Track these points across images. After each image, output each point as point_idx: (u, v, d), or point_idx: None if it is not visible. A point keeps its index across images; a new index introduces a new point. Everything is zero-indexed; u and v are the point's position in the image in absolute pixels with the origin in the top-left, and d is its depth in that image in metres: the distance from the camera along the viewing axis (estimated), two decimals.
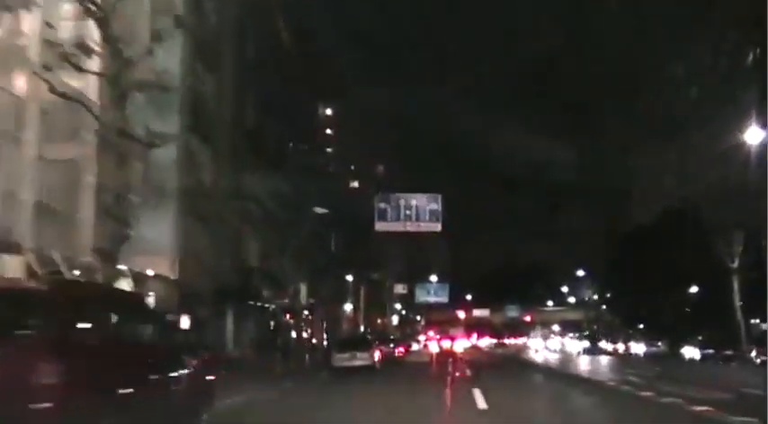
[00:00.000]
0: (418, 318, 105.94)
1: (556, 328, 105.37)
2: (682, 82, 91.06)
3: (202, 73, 29.24)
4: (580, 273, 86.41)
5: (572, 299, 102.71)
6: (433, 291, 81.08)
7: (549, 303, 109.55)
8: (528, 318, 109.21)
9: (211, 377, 9.63)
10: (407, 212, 32.54)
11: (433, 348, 52.60)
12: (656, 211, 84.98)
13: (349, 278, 55.09)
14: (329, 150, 55.64)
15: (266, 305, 35.11)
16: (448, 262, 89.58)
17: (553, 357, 49.77)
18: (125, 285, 22.56)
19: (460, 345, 52.25)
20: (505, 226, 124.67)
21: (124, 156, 11.92)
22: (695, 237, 55.81)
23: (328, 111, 56.09)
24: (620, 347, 59.97)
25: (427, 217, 33.06)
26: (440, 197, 33.55)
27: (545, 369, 33.33)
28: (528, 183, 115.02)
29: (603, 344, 52.53)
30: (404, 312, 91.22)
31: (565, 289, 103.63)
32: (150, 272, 24.94)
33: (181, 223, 26.22)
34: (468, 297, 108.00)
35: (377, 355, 29.05)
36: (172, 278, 25.17)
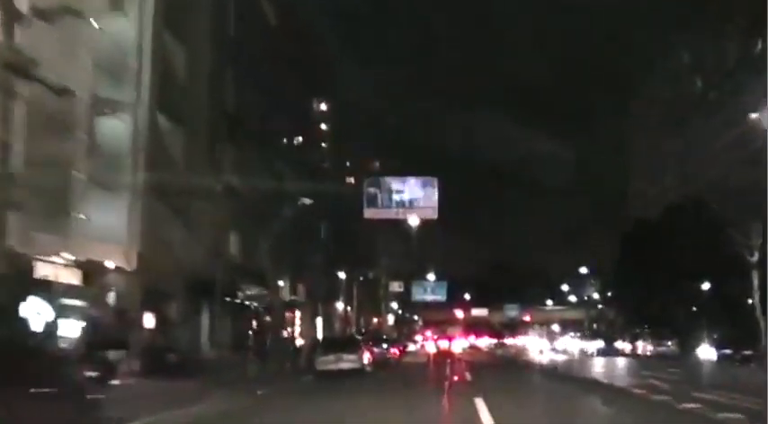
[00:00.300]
0: (416, 318, 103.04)
1: (556, 327, 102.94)
2: (682, 76, 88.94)
3: (172, 43, 26.18)
4: (583, 270, 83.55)
5: (573, 298, 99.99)
6: (430, 289, 77.92)
7: (549, 302, 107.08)
8: (527, 317, 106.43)
9: (97, 396, 6.61)
10: (400, 197, 28.85)
11: (430, 348, 49.55)
12: (659, 206, 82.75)
13: (343, 276, 52.29)
14: (324, 145, 52.95)
15: (247, 303, 32.10)
16: (445, 261, 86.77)
17: (561, 359, 46.32)
18: (71, 276, 19.59)
19: (459, 345, 49.26)
20: (504, 225, 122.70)
21: (10, 92, 8.97)
22: (705, 232, 53.09)
23: (323, 106, 53.36)
24: (627, 346, 57.06)
25: (422, 203, 29.37)
26: (436, 180, 29.85)
27: (553, 372, 30.25)
28: (527, 180, 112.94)
29: (620, 344, 48.59)
30: (400, 311, 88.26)
31: (565, 288, 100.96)
32: (110, 264, 21.98)
33: (145, 208, 23.16)
34: (467, 297, 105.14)
35: (366, 357, 26.01)
36: (132, 270, 22.11)
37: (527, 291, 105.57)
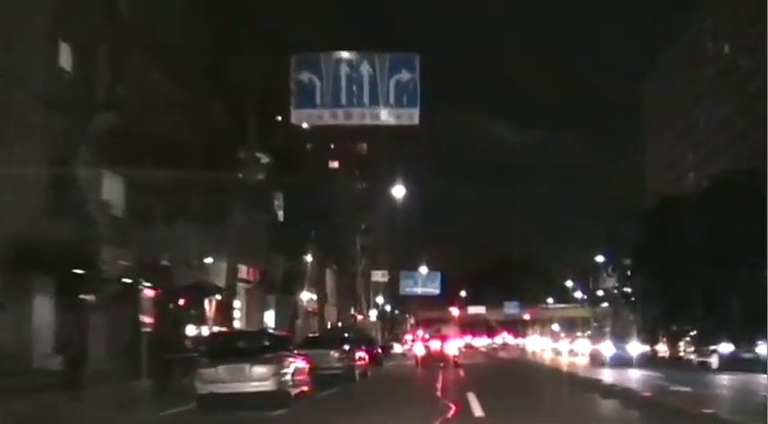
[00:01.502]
0: (407, 316, 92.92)
1: (555, 327, 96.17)
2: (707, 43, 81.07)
3: None
4: (599, 259, 73.36)
5: (578, 294, 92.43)
6: (421, 281, 66.67)
7: (549, 300, 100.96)
8: (527, 316, 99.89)
9: None
10: (356, 87, 16.23)
11: (418, 350, 38.92)
12: (684, 182, 73.53)
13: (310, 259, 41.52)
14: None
15: (127, 282, 20.80)
16: (438, 256, 76.58)
17: (635, 377, 25.49)
18: None
19: (454, 346, 38.76)
20: (503, 217, 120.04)
21: None
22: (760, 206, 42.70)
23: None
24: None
25: (392, 98, 16.63)
26: (417, 58, 17.15)
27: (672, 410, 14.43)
28: (527, 171, 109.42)
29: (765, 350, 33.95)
30: (388, 306, 77.31)
31: (569, 284, 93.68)
32: None
33: None
34: (463, 294, 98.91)
35: (291, 370, 14.42)
36: None
37: (527, 287, 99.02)
